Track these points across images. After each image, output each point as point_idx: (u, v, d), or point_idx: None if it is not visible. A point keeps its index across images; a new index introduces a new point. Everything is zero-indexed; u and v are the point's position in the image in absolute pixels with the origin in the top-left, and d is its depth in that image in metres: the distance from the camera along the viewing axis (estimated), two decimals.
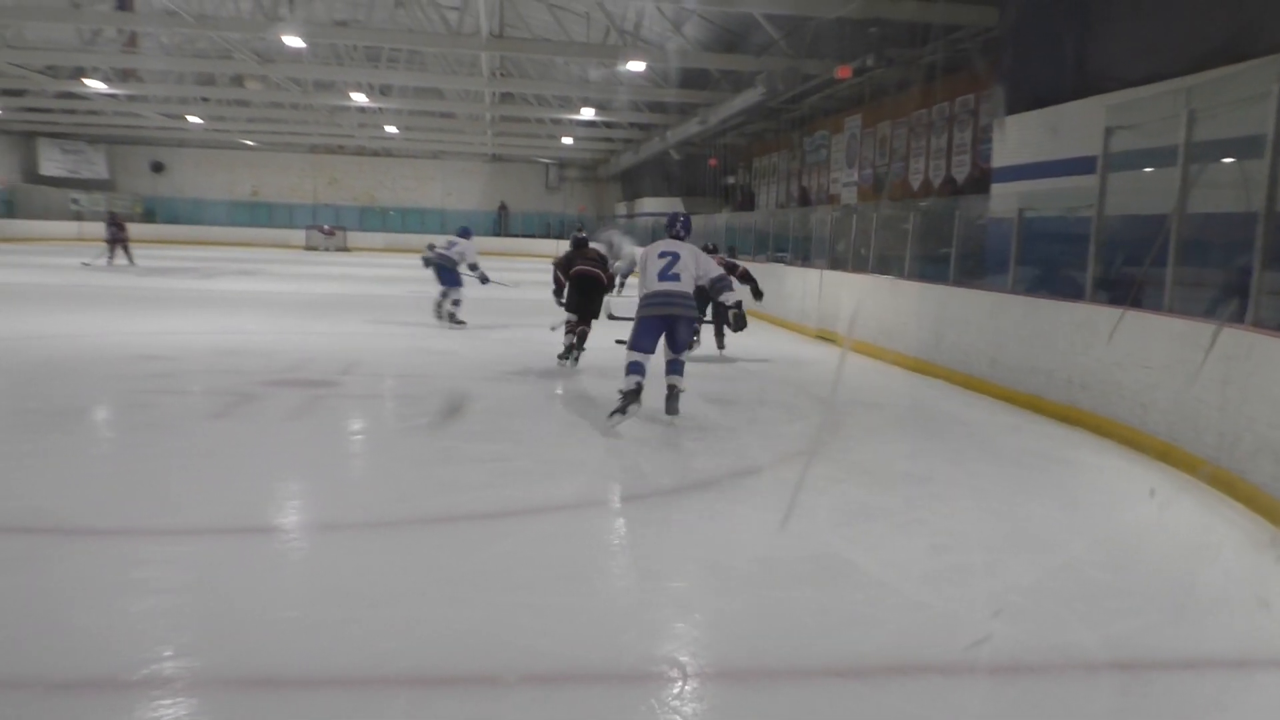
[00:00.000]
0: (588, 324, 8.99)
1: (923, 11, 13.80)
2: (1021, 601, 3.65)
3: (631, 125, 29.12)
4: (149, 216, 40.66)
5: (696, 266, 6.71)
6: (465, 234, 12.34)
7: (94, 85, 24.22)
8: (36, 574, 3.56)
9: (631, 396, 6.32)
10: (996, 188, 11.27)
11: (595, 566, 3.94)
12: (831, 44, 16.41)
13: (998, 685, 3.05)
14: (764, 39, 17.29)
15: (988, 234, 10.42)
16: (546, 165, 43.67)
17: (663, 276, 6.64)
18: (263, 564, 3.83)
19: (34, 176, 38.84)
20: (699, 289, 6.83)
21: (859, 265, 12.40)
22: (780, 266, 15.49)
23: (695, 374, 9.10)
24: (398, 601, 3.42)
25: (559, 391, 8.33)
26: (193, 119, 31.14)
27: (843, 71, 15.78)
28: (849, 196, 19.88)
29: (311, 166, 42.88)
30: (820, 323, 12.83)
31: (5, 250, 26.78)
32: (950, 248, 10.06)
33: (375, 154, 42.27)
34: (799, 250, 15.94)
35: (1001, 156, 11.33)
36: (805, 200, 22.20)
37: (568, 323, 9.03)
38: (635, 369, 6.43)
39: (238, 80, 25.96)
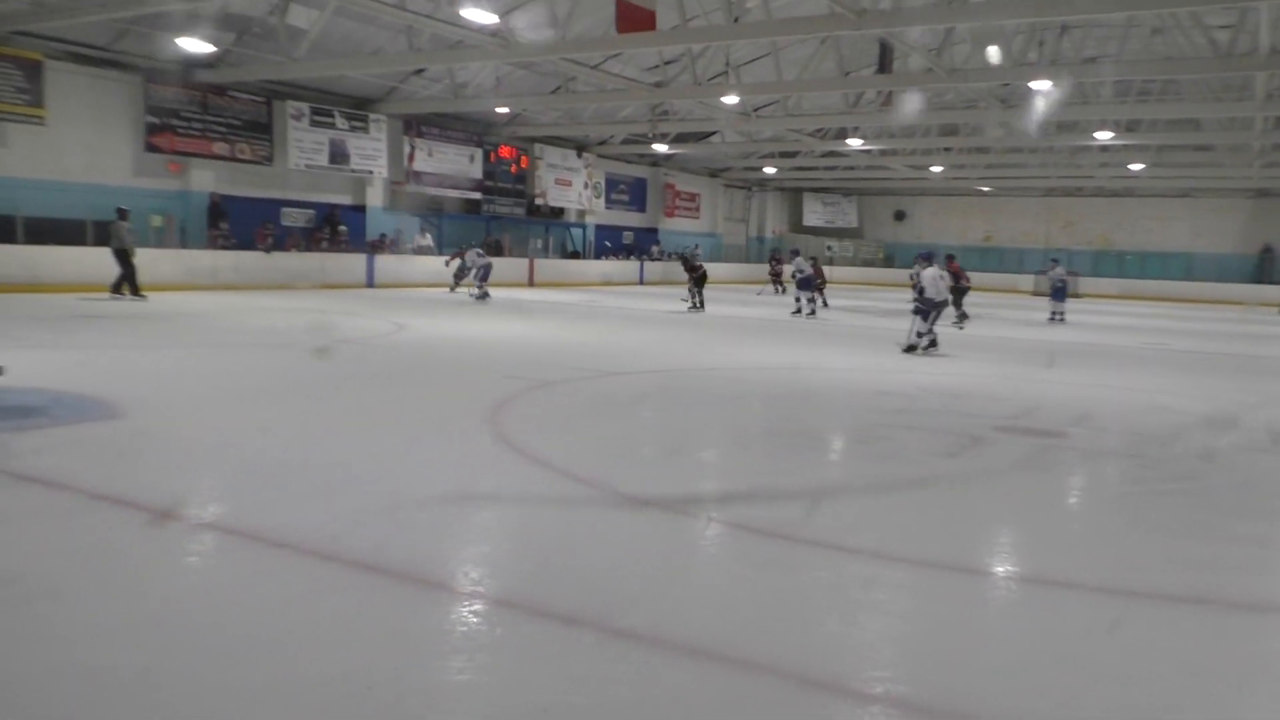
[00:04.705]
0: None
1: None
2: None
3: None
4: (889, 261, 43.99)
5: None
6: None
7: (853, 144, 27.04)
8: (795, 577, 4.05)
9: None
10: None
11: None
12: None
13: None
14: None
15: None
16: None
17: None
18: (976, 605, 3.87)
19: (799, 226, 44.86)
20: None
21: None
22: None
23: None
24: (1122, 680, 3.15)
25: None
26: (935, 169, 32.88)
27: None
28: None
29: (1045, 210, 42.17)
30: None
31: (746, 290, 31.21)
32: None
33: (1115, 194, 39.96)
34: None
35: None
36: None
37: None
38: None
39: (979, 129, 26.74)
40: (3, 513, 4.29)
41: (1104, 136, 23.82)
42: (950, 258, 18.87)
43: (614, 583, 3.85)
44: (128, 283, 16.02)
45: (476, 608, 3.57)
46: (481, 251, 21.06)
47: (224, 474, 5.41)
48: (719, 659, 3.18)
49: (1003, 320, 21.54)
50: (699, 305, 19.70)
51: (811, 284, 19.67)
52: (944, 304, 13.16)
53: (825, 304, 21.38)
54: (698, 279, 19.88)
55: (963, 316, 18.29)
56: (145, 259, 18.90)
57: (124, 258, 15.96)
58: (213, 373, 8.99)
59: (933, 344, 12.96)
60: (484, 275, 20.35)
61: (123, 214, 16.19)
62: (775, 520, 4.89)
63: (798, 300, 19.63)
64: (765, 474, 6.05)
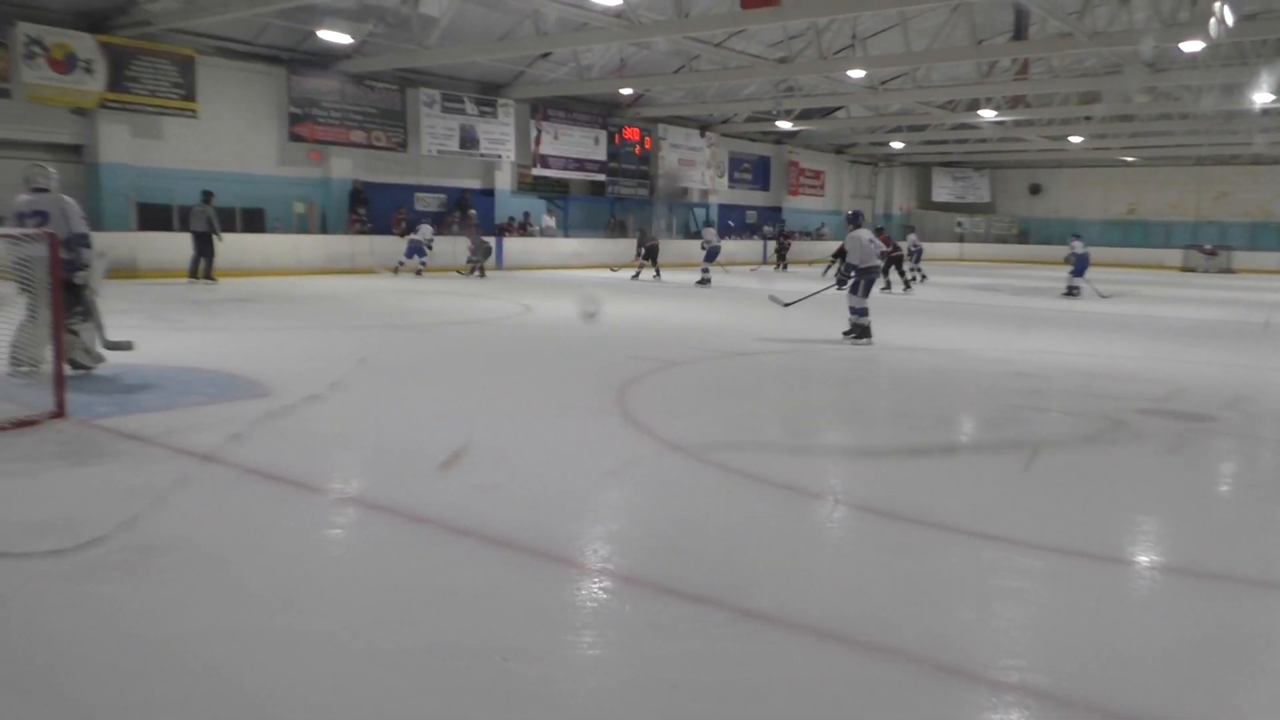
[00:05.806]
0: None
1: None
2: None
3: None
4: (1023, 237, 42.33)
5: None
6: None
7: (986, 115, 26.05)
8: (926, 562, 3.98)
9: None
10: None
11: None
12: None
13: None
14: None
15: None
16: None
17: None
18: (1119, 594, 3.72)
19: (927, 202, 43.59)
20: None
21: None
22: None
23: None
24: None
25: None
26: (1074, 139, 31.40)
27: None
28: None
29: (1195, 180, 39.72)
30: None
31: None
32: None
33: (1275, 162, 37.31)
34: None
35: None
36: None
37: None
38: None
39: (1124, 96, 25.34)
40: (165, 485, 4.59)
41: (1264, 99, 22.25)
42: (879, 230, 18.93)
43: (742, 563, 3.86)
44: (201, 266, 16.42)
45: (606, 584, 3.64)
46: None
47: (364, 450, 5.65)
48: (849, 642, 3.16)
49: (1146, 298, 20.49)
50: (639, 277, 21.41)
51: (716, 255, 21.17)
52: (874, 270, 11.27)
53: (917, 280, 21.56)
54: (649, 251, 21.65)
55: (890, 284, 19.28)
56: (289, 244, 19.79)
57: (204, 241, 16.43)
58: (351, 353, 9.37)
59: (861, 331, 11.08)
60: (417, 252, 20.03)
61: (208, 197, 16.70)
62: (905, 504, 4.80)
63: (704, 272, 20.70)
64: (893, 456, 5.94)
